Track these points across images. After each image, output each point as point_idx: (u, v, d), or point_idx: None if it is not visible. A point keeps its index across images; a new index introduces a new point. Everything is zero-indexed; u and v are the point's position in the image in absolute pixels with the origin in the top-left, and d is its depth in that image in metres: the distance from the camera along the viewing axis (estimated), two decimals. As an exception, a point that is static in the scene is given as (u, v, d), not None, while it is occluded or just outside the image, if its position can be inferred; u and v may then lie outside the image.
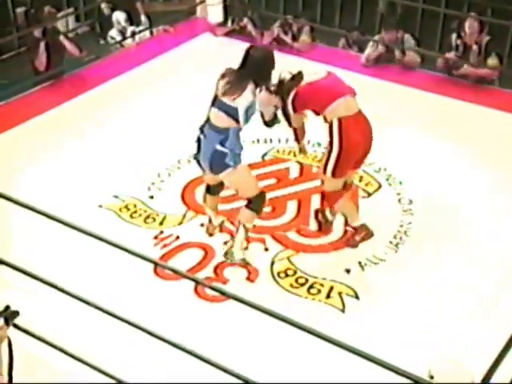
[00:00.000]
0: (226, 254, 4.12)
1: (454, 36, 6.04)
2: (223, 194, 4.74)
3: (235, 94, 3.69)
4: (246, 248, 4.15)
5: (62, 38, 6.06)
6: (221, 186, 4.14)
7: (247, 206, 4.00)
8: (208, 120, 3.84)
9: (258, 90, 3.69)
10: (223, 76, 3.79)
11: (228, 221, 4.44)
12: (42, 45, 5.89)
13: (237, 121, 3.72)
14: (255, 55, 3.77)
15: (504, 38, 7.24)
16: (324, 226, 4.37)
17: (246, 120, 3.74)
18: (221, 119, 3.76)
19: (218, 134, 3.76)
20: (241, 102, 3.68)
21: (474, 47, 5.83)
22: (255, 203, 3.97)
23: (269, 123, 3.98)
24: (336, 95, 3.85)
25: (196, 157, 3.95)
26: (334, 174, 3.95)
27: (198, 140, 3.89)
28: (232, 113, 3.71)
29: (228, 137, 3.74)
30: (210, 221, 4.35)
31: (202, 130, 3.87)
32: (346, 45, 6.84)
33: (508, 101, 5.76)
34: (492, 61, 5.69)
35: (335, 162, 3.89)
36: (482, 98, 5.75)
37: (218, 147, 3.76)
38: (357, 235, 4.18)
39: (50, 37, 5.96)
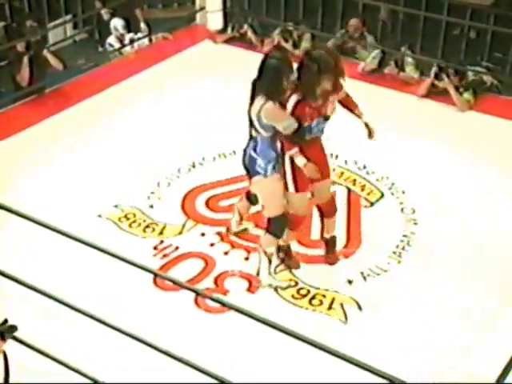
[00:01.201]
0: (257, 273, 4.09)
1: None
2: (224, 203, 4.77)
3: (250, 105, 3.73)
4: (277, 272, 4.14)
5: (45, 52, 6.00)
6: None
7: (267, 230, 3.99)
8: None
9: (262, 101, 3.66)
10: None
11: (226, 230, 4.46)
12: (26, 59, 5.83)
13: (257, 130, 3.76)
14: (268, 64, 3.72)
15: (507, 45, 7.27)
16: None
17: (267, 130, 3.74)
18: (249, 127, 3.83)
19: (252, 141, 3.83)
20: (252, 113, 3.72)
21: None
22: (275, 225, 3.94)
23: (294, 139, 3.81)
24: None
25: (243, 159, 3.95)
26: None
27: (247, 143, 3.91)
28: (252, 122, 3.77)
29: (258, 144, 3.79)
30: (228, 230, 4.37)
31: (250, 134, 3.89)
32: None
33: (508, 108, 5.76)
34: (467, 95, 5.72)
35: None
36: (484, 105, 5.77)
37: (252, 153, 3.82)
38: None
39: (34, 51, 5.91)
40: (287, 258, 4.17)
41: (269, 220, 3.96)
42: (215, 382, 2.75)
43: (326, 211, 4.16)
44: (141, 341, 2.87)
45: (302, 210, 4.01)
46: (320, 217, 4.22)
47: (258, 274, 4.07)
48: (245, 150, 3.89)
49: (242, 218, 4.32)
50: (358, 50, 6.47)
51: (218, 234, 4.45)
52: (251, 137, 3.83)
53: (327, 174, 4.02)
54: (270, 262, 4.04)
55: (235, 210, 4.33)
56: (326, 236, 4.22)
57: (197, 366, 2.77)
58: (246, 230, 4.38)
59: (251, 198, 4.20)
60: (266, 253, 4.01)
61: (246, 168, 3.92)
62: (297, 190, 3.89)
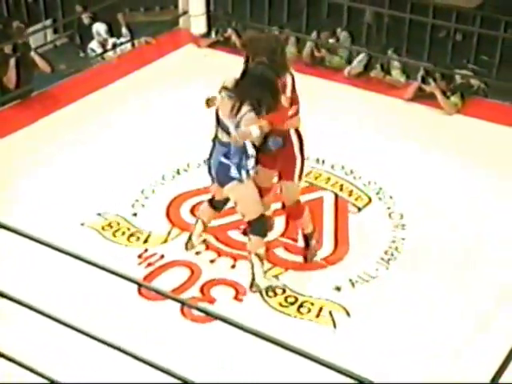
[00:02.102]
0: (251, 286, 4.08)
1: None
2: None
3: (228, 114, 3.71)
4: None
5: (32, 53, 5.97)
6: (225, 202, 4.16)
7: (252, 234, 3.99)
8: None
9: (247, 109, 3.66)
10: (222, 89, 3.77)
11: (214, 238, 4.45)
12: (12, 61, 5.79)
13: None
14: (252, 73, 3.74)
15: (493, 48, 7.33)
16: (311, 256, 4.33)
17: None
18: (221, 134, 3.81)
19: (222, 147, 3.82)
20: (230, 119, 3.70)
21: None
22: (257, 226, 3.96)
23: (260, 148, 3.90)
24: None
25: (208, 166, 3.98)
26: (300, 178, 4.08)
27: (212, 150, 3.92)
28: (227, 129, 3.75)
29: (230, 150, 3.78)
30: (190, 238, 4.36)
31: (213, 141, 3.89)
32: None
33: (496, 112, 5.80)
34: (454, 99, 5.76)
35: (300, 167, 4.04)
36: (471, 109, 5.80)
37: (223, 159, 3.82)
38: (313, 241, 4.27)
39: (21, 53, 5.88)
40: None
41: (249, 223, 3.98)
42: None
43: (290, 213, 4.27)
44: (125, 352, 2.84)
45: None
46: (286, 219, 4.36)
47: (253, 279, 4.06)
48: (210, 159, 3.89)
49: (205, 228, 4.32)
50: (328, 58, 6.43)
51: (204, 241, 4.44)
52: (220, 144, 3.81)
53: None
54: (262, 264, 4.05)
55: (196, 221, 4.31)
56: (303, 232, 4.29)
57: (183, 378, 2.75)
58: (205, 241, 4.39)
59: (214, 203, 4.20)
60: (258, 255, 4.02)
61: (216, 176, 3.91)
62: (300, 179, 4.06)
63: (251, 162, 3.84)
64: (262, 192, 4.07)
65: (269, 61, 3.77)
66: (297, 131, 3.99)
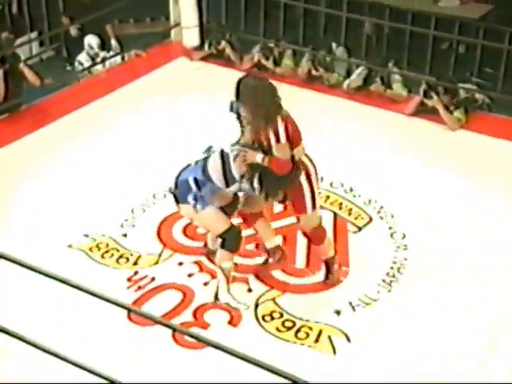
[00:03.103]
0: (215, 297, 4.13)
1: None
2: (202, 229, 4.76)
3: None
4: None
5: (21, 65, 5.98)
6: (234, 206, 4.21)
7: (221, 246, 4.05)
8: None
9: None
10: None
11: (207, 259, 4.44)
12: (0, 73, 5.80)
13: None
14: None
15: (497, 60, 7.37)
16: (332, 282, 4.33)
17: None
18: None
19: (199, 169, 3.97)
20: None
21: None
22: (223, 240, 4.03)
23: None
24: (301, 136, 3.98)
25: (178, 173, 4.08)
26: (314, 207, 4.08)
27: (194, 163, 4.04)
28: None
29: (202, 177, 3.94)
30: (206, 245, 4.40)
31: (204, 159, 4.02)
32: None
33: (500, 127, 5.83)
34: (458, 114, 5.79)
35: (311, 197, 4.04)
36: (475, 124, 5.83)
37: (190, 180, 3.95)
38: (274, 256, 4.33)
39: (10, 64, 5.89)
40: None
41: (218, 237, 4.05)
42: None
43: (312, 239, 4.28)
44: (113, 382, 2.83)
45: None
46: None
47: (216, 292, 4.11)
48: (185, 168, 4.05)
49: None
50: (326, 76, 6.45)
51: (197, 263, 4.43)
52: (200, 165, 3.99)
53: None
54: (227, 278, 4.08)
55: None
56: (324, 258, 4.29)
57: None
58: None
59: (225, 210, 4.20)
60: (222, 269, 4.06)
61: (175, 188, 4.03)
62: (314, 208, 4.07)
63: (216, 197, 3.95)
64: (253, 217, 4.17)
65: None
66: (301, 162, 3.97)
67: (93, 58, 7.09)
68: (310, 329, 3.97)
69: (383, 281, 4.32)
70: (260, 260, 4.46)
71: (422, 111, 5.92)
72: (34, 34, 8.49)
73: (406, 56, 7.70)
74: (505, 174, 5.21)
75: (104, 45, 7.26)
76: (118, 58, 7.11)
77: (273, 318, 4.05)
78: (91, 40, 7.24)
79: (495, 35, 7.45)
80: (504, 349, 3.86)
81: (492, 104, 6.15)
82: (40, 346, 2.95)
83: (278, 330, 3.98)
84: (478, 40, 7.59)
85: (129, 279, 4.31)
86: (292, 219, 4.72)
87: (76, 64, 7.27)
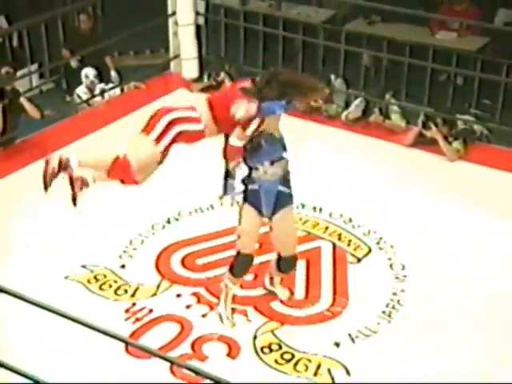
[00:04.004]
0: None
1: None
2: (201, 260, 4.75)
3: None
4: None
5: (22, 99, 5.97)
6: None
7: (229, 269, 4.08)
8: None
9: None
10: None
11: (206, 290, 4.42)
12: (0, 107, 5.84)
13: None
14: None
15: (495, 92, 7.42)
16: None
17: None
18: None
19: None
20: None
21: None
22: (236, 265, 4.07)
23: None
24: None
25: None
26: None
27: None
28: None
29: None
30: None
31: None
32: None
33: (499, 158, 5.84)
34: (457, 145, 5.82)
35: None
36: (474, 155, 5.84)
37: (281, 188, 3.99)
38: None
39: (9, 99, 5.90)
40: None
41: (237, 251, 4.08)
42: None
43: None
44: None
45: None
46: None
47: (217, 303, 4.18)
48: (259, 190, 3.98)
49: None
50: (324, 108, 6.49)
51: (195, 294, 4.41)
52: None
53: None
54: (226, 295, 4.13)
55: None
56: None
57: None
58: None
59: None
60: (226, 285, 4.12)
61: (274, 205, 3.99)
62: None
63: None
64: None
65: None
66: None
67: (91, 90, 7.12)
68: (309, 361, 3.95)
69: (383, 312, 4.31)
70: (258, 292, 4.45)
71: (421, 142, 5.94)
72: (34, 67, 8.55)
73: (404, 87, 7.74)
74: (504, 205, 5.21)
75: (101, 76, 7.31)
76: (118, 90, 7.15)
77: (271, 350, 4.02)
78: (88, 71, 7.29)
79: (492, 67, 7.51)
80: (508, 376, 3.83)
81: (490, 135, 6.17)
82: (37, 379, 2.92)
83: (276, 362, 3.95)
84: (475, 72, 7.65)
85: (127, 311, 4.29)
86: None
87: (75, 96, 7.31)
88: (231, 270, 4.10)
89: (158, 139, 3.73)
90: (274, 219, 4.01)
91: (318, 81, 3.95)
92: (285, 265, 4.20)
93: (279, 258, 4.19)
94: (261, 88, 3.73)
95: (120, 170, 3.73)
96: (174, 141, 3.76)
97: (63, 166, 3.74)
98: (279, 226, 4.04)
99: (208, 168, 5.16)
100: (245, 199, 3.97)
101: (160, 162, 3.86)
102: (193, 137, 3.80)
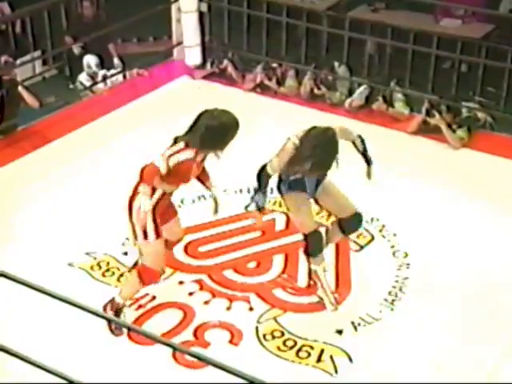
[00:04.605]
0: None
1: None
2: (204, 248, 4.77)
3: None
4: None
5: (20, 88, 5.94)
6: None
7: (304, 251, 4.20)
8: None
9: None
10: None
11: (209, 277, 4.44)
12: None
13: None
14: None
15: (500, 79, 7.40)
16: None
17: None
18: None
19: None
20: None
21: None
22: (310, 245, 4.15)
23: None
24: None
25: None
26: None
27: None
28: None
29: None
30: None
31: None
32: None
33: (503, 146, 5.83)
34: (461, 132, 5.81)
35: None
36: (478, 143, 5.83)
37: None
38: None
39: (7, 88, 5.87)
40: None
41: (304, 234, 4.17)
42: None
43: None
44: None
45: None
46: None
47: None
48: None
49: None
50: (328, 95, 6.48)
51: (198, 281, 4.43)
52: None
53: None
54: (320, 280, 4.21)
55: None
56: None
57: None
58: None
59: None
60: (315, 272, 4.22)
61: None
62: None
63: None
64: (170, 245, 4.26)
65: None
66: None
67: (93, 78, 7.12)
68: (312, 348, 3.96)
69: (385, 300, 4.32)
70: (261, 279, 4.46)
71: (424, 130, 5.93)
72: (37, 53, 8.54)
73: (408, 75, 7.73)
74: (507, 193, 5.21)
75: (103, 64, 7.29)
76: (120, 77, 7.14)
77: (274, 337, 4.04)
78: (90, 60, 7.28)
79: (497, 54, 7.48)
80: (510, 366, 3.84)
81: (494, 123, 6.16)
82: (40, 364, 2.94)
83: (279, 349, 3.97)
84: (480, 59, 7.62)
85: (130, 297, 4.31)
86: (294, 237, 4.73)
87: (77, 83, 7.31)
88: (309, 253, 4.15)
89: (146, 236, 3.94)
90: (319, 193, 4.14)
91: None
92: (349, 224, 4.26)
93: (340, 223, 4.25)
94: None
95: (150, 276, 4.01)
96: (156, 225, 3.95)
97: (116, 309, 4.00)
98: (328, 194, 4.18)
99: (210, 156, 5.17)
100: (290, 188, 4.06)
101: (167, 247, 4.16)
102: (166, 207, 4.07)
